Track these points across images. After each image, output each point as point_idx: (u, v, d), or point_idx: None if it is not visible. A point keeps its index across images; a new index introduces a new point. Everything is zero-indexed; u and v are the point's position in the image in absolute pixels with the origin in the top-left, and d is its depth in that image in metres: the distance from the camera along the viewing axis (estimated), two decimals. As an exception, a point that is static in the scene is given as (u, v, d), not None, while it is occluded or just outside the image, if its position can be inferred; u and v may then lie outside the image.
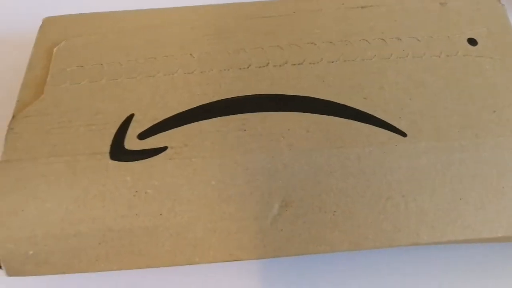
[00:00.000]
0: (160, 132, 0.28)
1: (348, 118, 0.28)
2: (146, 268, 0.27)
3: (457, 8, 0.32)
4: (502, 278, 0.30)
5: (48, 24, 0.33)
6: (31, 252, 0.26)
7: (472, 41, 0.31)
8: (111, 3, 0.34)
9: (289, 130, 0.28)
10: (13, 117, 0.29)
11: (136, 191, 0.27)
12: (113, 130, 0.28)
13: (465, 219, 0.27)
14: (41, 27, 0.33)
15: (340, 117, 0.28)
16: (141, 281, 0.30)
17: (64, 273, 0.27)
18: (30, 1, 0.40)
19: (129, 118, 0.28)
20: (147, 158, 0.27)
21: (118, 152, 0.27)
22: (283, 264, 0.31)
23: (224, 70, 0.30)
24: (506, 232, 0.27)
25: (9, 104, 0.30)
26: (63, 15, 0.33)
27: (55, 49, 0.31)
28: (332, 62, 0.30)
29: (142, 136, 0.28)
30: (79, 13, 0.34)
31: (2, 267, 0.26)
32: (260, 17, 0.32)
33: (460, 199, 0.27)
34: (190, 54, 0.31)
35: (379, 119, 0.28)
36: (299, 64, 0.30)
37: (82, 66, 0.31)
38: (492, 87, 0.29)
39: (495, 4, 0.33)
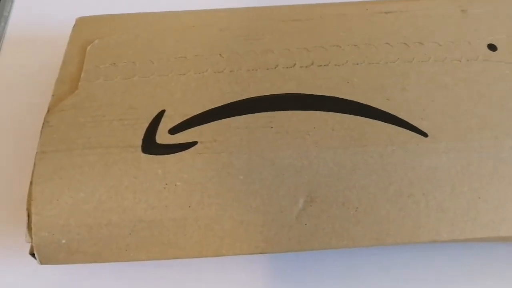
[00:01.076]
0: (190, 127, 0.29)
1: (372, 118, 0.29)
2: (174, 258, 0.28)
3: (477, 15, 0.33)
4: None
5: (81, 23, 0.34)
6: (64, 241, 0.27)
7: (492, 47, 0.32)
8: (142, 5, 0.35)
9: (314, 128, 0.29)
10: (48, 110, 0.30)
11: (167, 184, 0.27)
12: (145, 125, 0.29)
13: (483, 217, 0.27)
14: (74, 26, 0.34)
15: (364, 116, 0.29)
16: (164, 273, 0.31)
17: (95, 261, 0.28)
18: (63, 1, 0.41)
19: (161, 114, 0.29)
20: (177, 152, 0.28)
21: (150, 145, 0.28)
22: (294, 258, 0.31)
23: (253, 70, 0.31)
24: (525, 231, 0.27)
25: (45, 99, 0.31)
26: (96, 15, 0.34)
27: (88, 47, 0.32)
28: (357, 64, 0.31)
29: (173, 131, 0.29)
30: (111, 14, 0.34)
31: (36, 254, 0.27)
32: (288, 20, 0.33)
33: (479, 198, 0.27)
34: (220, 54, 0.31)
35: (401, 119, 0.29)
36: (325, 65, 0.31)
37: (115, 63, 0.31)
38: (511, 91, 0.30)
39: (515, 11, 0.33)
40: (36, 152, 0.28)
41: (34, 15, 0.41)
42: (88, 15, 0.34)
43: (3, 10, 0.40)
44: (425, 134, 0.28)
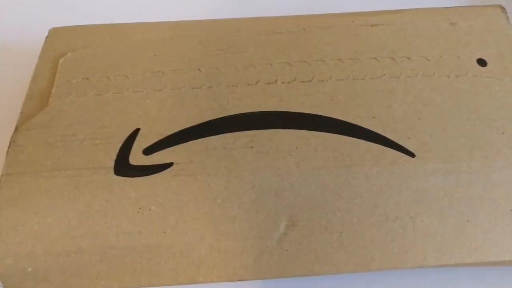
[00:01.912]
0: (166, 147, 0.28)
1: (357, 137, 0.28)
2: (148, 286, 0.27)
3: (467, 29, 0.32)
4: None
5: (55, 34, 0.33)
6: (30, 269, 0.26)
7: (482, 62, 0.31)
8: (119, 15, 0.34)
9: (296, 148, 0.27)
10: (16, 129, 0.28)
11: (140, 208, 0.26)
12: (118, 145, 0.28)
13: (472, 242, 0.27)
14: (47, 37, 0.33)
15: (349, 136, 0.28)
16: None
17: (64, 290, 0.26)
18: (37, 11, 0.40)
19: (135, 133, 0.28)
20: (152, 174, 0.27)
21: (123, 167, 0.27)
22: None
23: (232, 85, 0.30)
24: (515, 256, 0.26)
25: (13, 116, 0.29)
26: (70, 26, 0.33)
27: (61, 60, 0.31)
28: (341, 80, 0.30)
29: (148, 151, 0.27)
30: (86, 24, 0.33)
31: (0, 282, 0.26)
32: (270, 33, 0.32)
33: (468, 221, 0.27)
34: (198, 68, 0.30)
35: (387, 138, 0.28)
36: (308, 81, 0.30)
37: (88, 78, 0.30)
38: (501, 108, 0.29)
39: (505, 25, 0.33)
40: (1, 175, 0.27)
41: (5, 26, 0.39)
42: (64, 25, 0.33)
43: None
44: (412, 154, 0.28)
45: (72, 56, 0.31)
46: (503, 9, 0.33)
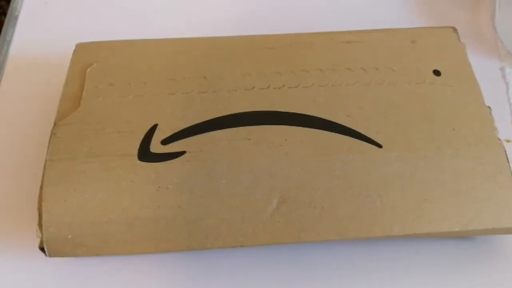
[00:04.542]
0: (180, 139, 0.35)
1: (335, 132, 0.35)
2: (165, 252, 0.34)
3: (425, 45, 0.40)
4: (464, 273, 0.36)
5: (81, 48, 0.40)
6: (69, 236, 0.32)
7: (437, 72, 0.38)
8: (136, 33, 0.41)
9: (286, 140, 0.35)
10: (55, 124, 0.35)
11: (159, 187, 0.33)
12: (140, 136, 0.35)
13: (429, 215, 0.33)
14: (74, 51, 0.39)
15: (328, 131, 0.35)
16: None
17: (97, 254, 0.33)
18: (61, 28, 0.47)
19: (154, 127, 0.35)
20: (168, 160, 0.34)
21: (145, 154, 0.34)
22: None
23: (233, 90, 0.37)
24: (462, 227, 0.33)
25: (45, 115, 0.36)
26: (94, 41, 0.40)
27: (88, 69, 0.38)
28: (322, 86, 0.37)
29: (165, 142, 0.34)
30: (107, 40, 0.40)
31: (45, 248, 0.32)
32: (263, 48, 0.39)
33: (425, 199, 0.33)
34: (204, 76, 0.38)
35: (359, 133, 0.35)
36: (294, 87, 0.37)
37: (112, 84, 0.37)
38: (452, 109, 0.36)
39: (456, 42, 0.40)
40: (45, 160, 0.34)
41: (35, 40, 0.46)
42: (85, 41, 0.40)
43: (6, 35, 0.46)
44: (379, 145, 0.35)
45: (98, 66, 0.38)
46: (455, 29, 0.40)
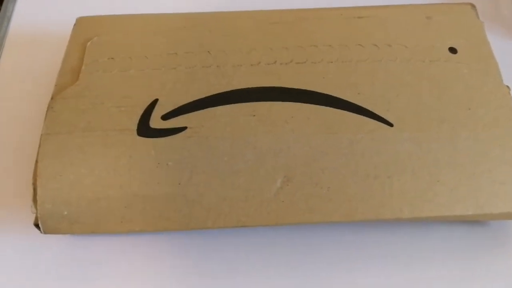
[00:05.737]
0: (181, 114, 0.34)
1: (343, 109, 0.34)
2: (164, 230, 0.33)
3: (441, 22, 0.39)
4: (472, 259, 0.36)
5: (81, 23, 0.39)
6: (65, 212, 0.32)
7: (453, 50, 0.37)
8: (137, 7, 0.40)
9: (292, 117, 0.34)
10: (52, 98, 0.35)
11: (159, 163, 0.33)
12: (140, 111, 0.34)
13: (440, 198, 0.32)
14: (75, 25, 0.39)
15: (336, 108, 0.34)
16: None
17: (93, 232, 0.33)
18: (62, 3, 0.47)
19: (154, 102, 0.34)
20: (169, 135, 0.33)
21: (144, 129, 0.33)
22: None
23: (237, 65, 0.36)
24: (476, 211, 0.32)
25: (46, 90, 0.36)
26: (95, 16, 0.40)
27: (88, 43, 0.37)
28: (331, 62, 0.36)
29: (165, 117, 0.34)
30: (109, 14, 0.40)
31: (40, 224, 0.32)
32: (270, 22, 0.39)
33: (437, 181, 0.33)
34: (208, 51, 0.37)
35: (369, 111, 0.34)
36: (302, 62, 0.36)
37: (113, 58, 0.37)
38: (468, 89, 0.35)
39: (475, 19, 0.39)
40: (41, 134, 0.33)
41: (35, 15, 0.46)
42: (86, 15, 0.40)
43: (6, 11, 0.46)
44: (390, 124, 0.34)
45: (98, 40, 0.38)
46: (473, 6, 0.39)
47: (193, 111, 0.34)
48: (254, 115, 0.34)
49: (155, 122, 0.34)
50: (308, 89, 0.35)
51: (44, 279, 0.34)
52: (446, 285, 0.34)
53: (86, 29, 0.39)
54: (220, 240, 0.36)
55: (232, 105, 0.34)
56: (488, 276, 0.34)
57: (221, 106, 0.34)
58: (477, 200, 0.32)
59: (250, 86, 0.35)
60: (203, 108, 0.34)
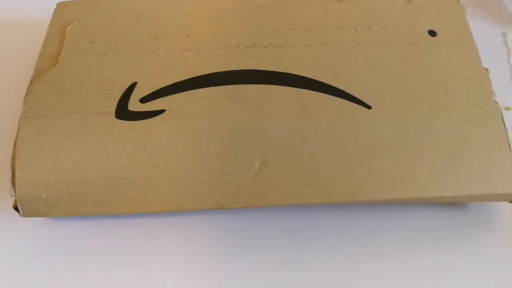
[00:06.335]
0: (159, 97, 0.34)
1: (321, 92, 0.34)
2: (142, 213, 0.34)
3: (421, 5, 0.39)
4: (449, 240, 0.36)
5: (62, 7, 0.40)
6: (44, 195, 0.32)
7: (433, 33, 0.37)
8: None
9: (270, 100, 0.34)
10: (31, 82, 0.35)
11: (137, 146, 0.33)
12: (119, 94, 0.34)
13: (419, 179, 0.32)
14: (55, 10, 0.39)
15: (315, 91, 0.34)
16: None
17: (72, 215, 0.33)
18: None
19: (133, 85, 0.34)
20: (147, 118, 0.33)
21: (123, 112, 0.33)
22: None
23: (217, 48, 0.36)
24: (455, 192, 0.32)
25: (27, 75, 0.36)
26: (75, 0, 0.40)
27: (68, 27, 0.37)
28: (310, 45, 0.36)
29: (144, 100, 0.34)
30: (89, -1, 0.40)
31: (19, 207, 0.32)
32: (250, 7, 0.39)
33: (416, 162, 0.33)
34: (187, 35, 0.37)
35: (347, 93, 0.34)
36: (281, 46, 0.36)
37: (92, 42, 0.37)
38: (447, 71, 0.36)
39: (455, 3, 0.39)
40: (20, 117, 0.33)
41: (15, 0, 0.46)
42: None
43: (-14, -5, 0.46)
44: (368, 107, 0.34)
45: (78, 24, 0.38)
46: None
47: (172, 94, 0.34)
48: (232, 98, 0.34)
49: (134, 105, 0.34)
50: (286, 72, 0.35)
51: (23, 263, 0.35)
52: (424, 267, 0.34)
53: (67, 14, 0.39)
54: (200, 223, 0.36)
55: (211, 88, 0.34)
56: (467, 258, 0.35)
57: (199, 89, 0.34)
58: (456, 181, 0.33)
59: (229, 69, 0.35)
60: (181, 91, 0.34)
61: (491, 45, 0.40)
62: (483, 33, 0.39)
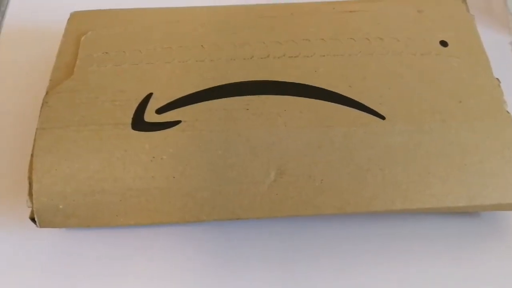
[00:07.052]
0: (175, 108, 0.34)
1: (336, 103, 0.34)
2: (159, 224, 0.34)
3: (432, 15, 0.39)
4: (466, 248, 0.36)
5: (76, 17, 0.39)
6: (61, 206, 0.32)
7: (444, 43, 0.37)
8: (131, 2, 0.40)
9: (285, 110, 0.34)
10: (47, 93, 0.35)
11: (153, 157, 0.33)
12: (135, 105, 0.34)
13: (432, 189, 0.33)
14: (69, 19, 0.39)
15: (329, 101, 0.35)
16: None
17: (88, 226, 0.33)
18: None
19: (149, 96, 0.34)
20: (163, 129, 0.33)
21: (139, 123, 0.33)
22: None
23: (231, 59, 0.36)
24: (467, 203, 0.33)
25: (41, 85, 0.36)
26: (89, 10, 0.40)
27: (82, 38, 0.37)
28: (324, 56, 0.37)
29: (160, 111, 0.34)
30: (103, 9, 0.40)
31: (36, 218, 0.32)
32: (263, 17, 0.39)
33: (429, 173, 0.33)
34: (201, 45, 0.37)
35: (361, 104, 0.34)
36: (295, 56, 0.37)
37: (107, 52, 0.37)
38: (459, 81, 0.36)
39: (465, 13, 0.39)
40: (36, 129, 0.33)
41: (29, 10, 0.46)
42: (81, 9, 0.40)
43: (0, 5, 0.46)
44: (382, 117, 0.34)
45: (92, 34, 0.38)
46: (463, 0, 0.40)
47: (187, 104, 0.34)
48: (247, 109, 0.34)
49: (150, 116, 0.34)
50: (300, 82, 0.35)
51: (39, 274, 0.35)
52: (437, 275, 0.35)
53: (81, 24, 0.39)
54: (215, 233, 0.36)
55: (226, 98, 0.35)
56: (480, 267, 0.35)
57: (214, 100, 0.34)
58: (468, 191, 0.33)
59: (243, 80, 0.35)
60: (197, 102, 0.34)
61: (499, 54, 0.40)
62: (492, 42, 0.39)
